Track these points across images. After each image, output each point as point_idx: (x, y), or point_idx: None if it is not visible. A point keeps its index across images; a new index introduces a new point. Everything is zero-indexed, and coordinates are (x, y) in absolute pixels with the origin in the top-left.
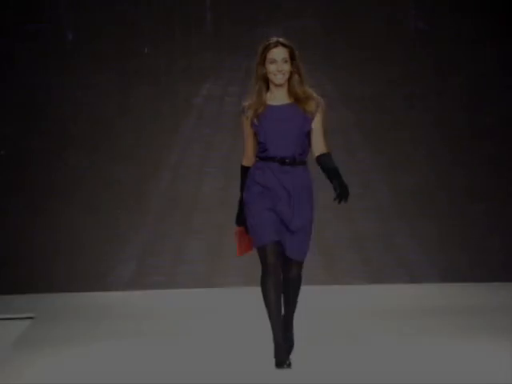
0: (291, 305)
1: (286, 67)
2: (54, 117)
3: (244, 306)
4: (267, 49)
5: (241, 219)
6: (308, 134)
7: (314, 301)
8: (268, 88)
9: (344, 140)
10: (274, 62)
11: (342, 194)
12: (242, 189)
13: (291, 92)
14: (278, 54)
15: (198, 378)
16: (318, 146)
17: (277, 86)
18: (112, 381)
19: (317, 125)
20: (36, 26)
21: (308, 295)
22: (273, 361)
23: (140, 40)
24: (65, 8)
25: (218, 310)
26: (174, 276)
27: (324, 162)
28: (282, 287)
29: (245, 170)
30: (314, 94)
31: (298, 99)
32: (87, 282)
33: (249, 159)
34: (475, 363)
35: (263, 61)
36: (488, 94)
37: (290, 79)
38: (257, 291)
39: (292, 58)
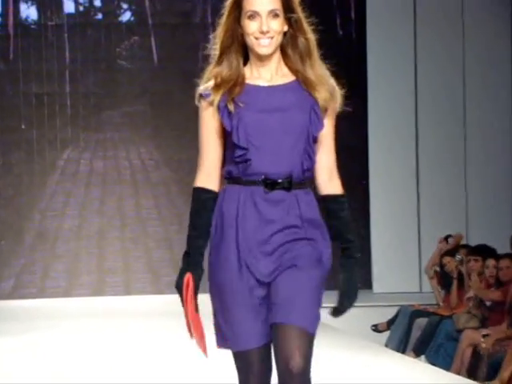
0: None
1: (277, 25)
2: None
3: (94, 313)
4: None
5: (187, 274)
6: (316, 140)
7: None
8: (246, 62)
9: None
10: (255, 16)
11: (346, 306)
12: (193, 227)
13: (290, 68)
14: (263, 2)
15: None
16: (327, 175)
17: (261, 58)
18: None
19: (327, 129)
20: None
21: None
22: None
23: (18, 118)
24: None
25: (76, 315)
26: (43, 289)
27: (339, 218)
28: None
29: (202, 197)
30: (328, 75)
31: (304, 80)
32: None
33: (209, 175)
34: None
35: (237, 14)
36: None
37: (285, 47)
38: (101, 300)
39: (288, 9)
